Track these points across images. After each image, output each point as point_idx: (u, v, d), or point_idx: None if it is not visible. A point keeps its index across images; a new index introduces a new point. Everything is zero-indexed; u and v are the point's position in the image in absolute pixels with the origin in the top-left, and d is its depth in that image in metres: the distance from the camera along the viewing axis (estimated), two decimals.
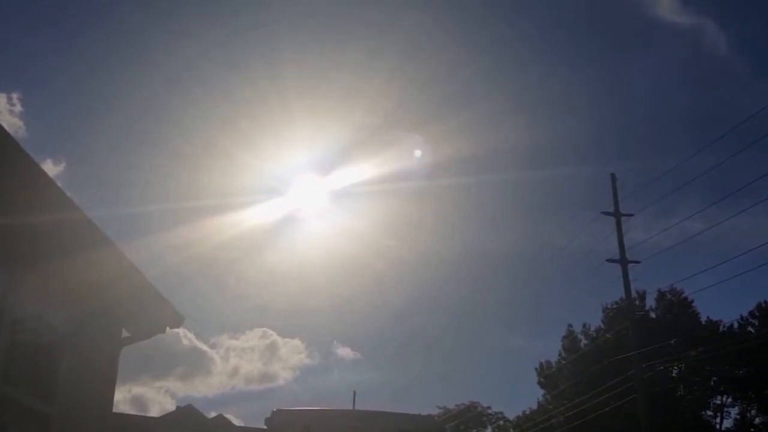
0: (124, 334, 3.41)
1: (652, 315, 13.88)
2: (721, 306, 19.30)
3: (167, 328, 3.38)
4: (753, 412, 14.33)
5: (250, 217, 2.94)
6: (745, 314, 14.13)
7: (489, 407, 18.01)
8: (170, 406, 16.87)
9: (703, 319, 14.25)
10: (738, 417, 14.29)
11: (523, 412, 15.74)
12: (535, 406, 14.87)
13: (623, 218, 8.96)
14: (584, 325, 13.59)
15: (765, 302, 14.05)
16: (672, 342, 11.43)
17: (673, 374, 13.88)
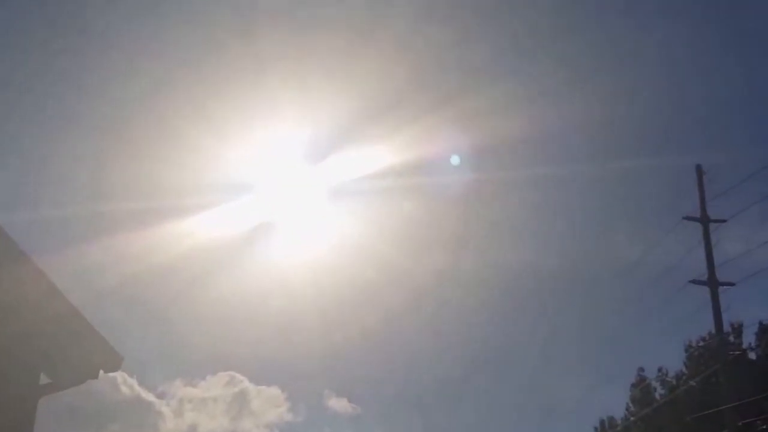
0: (44, 380, 3.35)
1: (752, 355, 13.73)
2: None
3: (101, 372, 3.33)
4: None
5: (214, 223, 2.86)
6: None
7: None
8: None
9: None
10: None
11: None
12: None
13: (712, 225, 8.83)
14: (660, 370, 13.44)
15: None
16: None
17: None
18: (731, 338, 12.34)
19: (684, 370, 13.60)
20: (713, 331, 8.72)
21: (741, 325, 13.89)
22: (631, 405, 14.62)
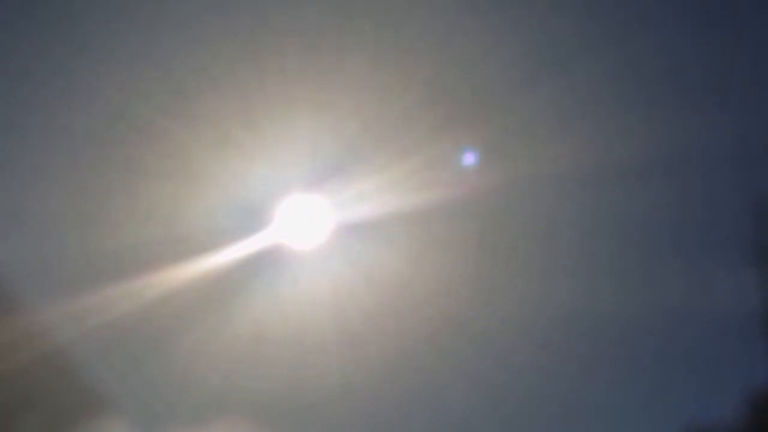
0: (25, 428, 3.30)
1: None
2: None
3: (86, 421, 3.29)
4: None
5: (214, 258, 2.80)
6: None
7: None
8: None
9: None
10: None
11: None
12: None
13: None
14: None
15: None
16: None
17: None
18: None
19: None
20: None
21: None
22: None
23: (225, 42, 3.04)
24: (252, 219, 3.12)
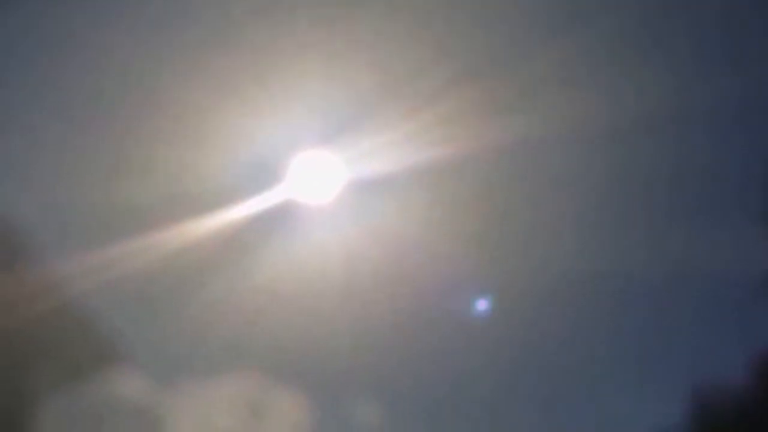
0: (43, 379, 3.36)
1: None
2: None
3: (105, 370, 3.34)
4: None
5: (226, 214, 2.84)
6: None
7: None
8: None
9: None
10: None
11: None
12: None
13: None
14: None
15: None
16: None
17: None
18: None
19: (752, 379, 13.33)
20: None
21: None
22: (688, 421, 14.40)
23: None
24: (263, 175, 3.15)
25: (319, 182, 3.22)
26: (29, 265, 3.09)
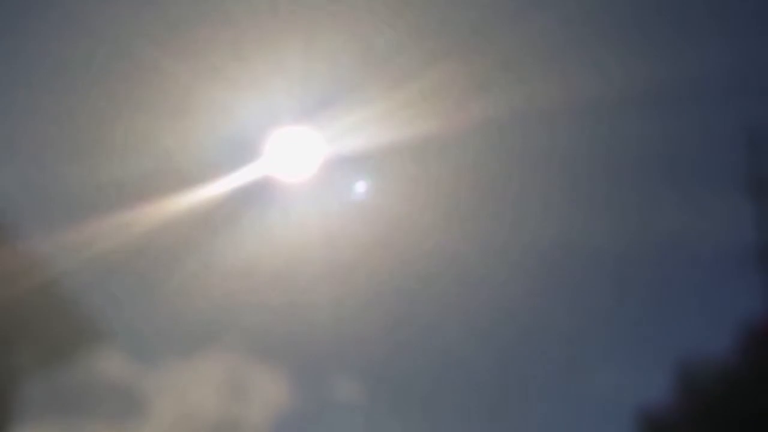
0: (23, 357, 3.35)
1: None
2: None
3: (86, 348, 3.34)
4: None
5: (205, 190, 2.82)
6: None
7: None
8: None
9: None
10: None
11: None
12: None
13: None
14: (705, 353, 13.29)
15: None
16: None
17: None
18: None
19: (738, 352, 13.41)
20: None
21: None
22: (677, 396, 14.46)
23: None
24: (242, 151, 3.15)
25: (298, 158, 3.22)
26: (7, 244, 3.08)
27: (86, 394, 3.44)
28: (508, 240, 3.30)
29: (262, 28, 3.09)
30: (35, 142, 3.09)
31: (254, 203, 3.14)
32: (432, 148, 3.19)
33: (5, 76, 3.03)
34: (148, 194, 3.03)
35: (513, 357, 3.55)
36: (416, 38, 3.18)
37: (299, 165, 3.20)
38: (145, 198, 3.03)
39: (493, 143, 3.26)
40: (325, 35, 3.11)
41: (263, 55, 3.08)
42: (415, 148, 3.19)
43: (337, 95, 3.13)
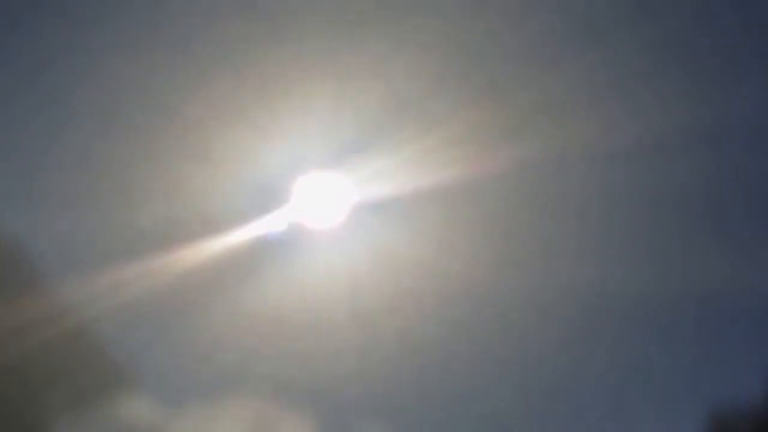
0: (51, 402, 3.36)
1: None
2: None
3: (108, 398, 3.33)
4: None
5: (232, 237, 2.83)
6: None
7: None
8: None
9: None
10: None
11: None
12: None
13: None
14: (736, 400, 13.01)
15: None
16: None
17: None
18: None
19: None
20: None
21: None
22: None
23: (241, 16, 3.06)
24: (269, 197, 3.15)
25: (325, 204, 3.21)
26: (36, 290, 3.09)
27: None
28: (540, 287, 3.26)
29: (290, 73, 3.11)
30: (62, 189, 3.11)
31: (281, 250, 3.14)
32: (462, 193, 3.18)
33: (31, 123, 3.07)
34: (174, 241, 3.04)
35: (546, 408, 3.49)
36: (445, 83, 3.18)
37: (327, 211, 3.20)
38: (172, 244, 3.04)
39: (524, 188, 3.24)
40: (353, 80, 3.12)
41: (290, 101, 3.10)
42: (445, 194, 3.17)
43: (365, 141, 3.13)
